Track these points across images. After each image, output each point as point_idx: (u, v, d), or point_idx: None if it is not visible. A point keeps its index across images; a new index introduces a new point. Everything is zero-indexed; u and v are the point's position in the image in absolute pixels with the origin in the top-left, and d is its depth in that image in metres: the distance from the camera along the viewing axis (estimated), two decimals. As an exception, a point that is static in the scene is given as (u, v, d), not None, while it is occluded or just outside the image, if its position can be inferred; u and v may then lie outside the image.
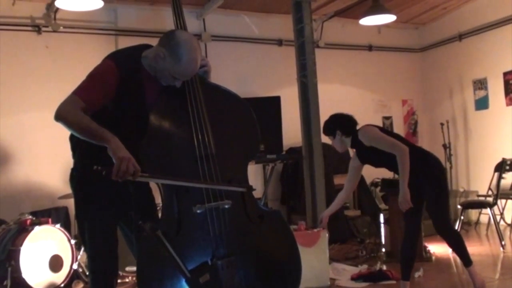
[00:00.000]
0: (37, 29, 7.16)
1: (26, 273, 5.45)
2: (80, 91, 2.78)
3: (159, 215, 3.20)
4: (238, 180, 3.21)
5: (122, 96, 2.84)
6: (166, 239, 2.71)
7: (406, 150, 4.46)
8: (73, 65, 6.89)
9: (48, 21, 7.15)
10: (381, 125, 9.69)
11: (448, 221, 4.89)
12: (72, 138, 3.03)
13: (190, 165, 3.00)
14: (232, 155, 3.20)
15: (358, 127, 4.85)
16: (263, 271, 3.16)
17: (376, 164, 4.94)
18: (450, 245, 4.80)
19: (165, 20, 7.79)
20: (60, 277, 5.72)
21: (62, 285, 5.72)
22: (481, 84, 9.01)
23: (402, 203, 4.44)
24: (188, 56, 2.83)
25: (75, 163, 3.04)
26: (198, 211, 2.97)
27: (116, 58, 2.91)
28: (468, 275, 4.67)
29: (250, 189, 3.17)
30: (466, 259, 4.65)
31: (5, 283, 5.22)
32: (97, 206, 2.95)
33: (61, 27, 7.23)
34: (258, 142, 3.44)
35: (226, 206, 3.03)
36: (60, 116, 2.72)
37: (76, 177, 3.02)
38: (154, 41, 3.05)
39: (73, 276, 5.76)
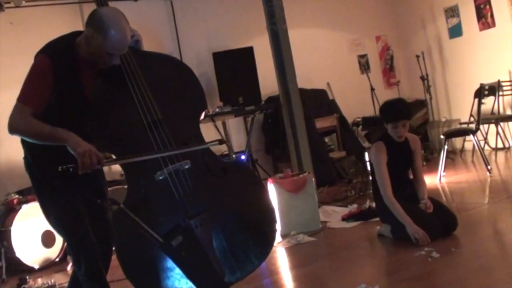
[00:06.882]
0: (-1, 6, 7.00)
1: (20, 252, 5.47)
2: (24, 97, 2.80)
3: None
4: (194, 139, 3.26)
5: (61, 88, 2.83)
6: (133, 211, 2.75)
7: None
8: (40, 39, 6.57)
9: (9, -3, 6.99)
10: (357, 64, 9.65)
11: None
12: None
13: (143, 136, 3.03)
14: (180, 116, 3.24)
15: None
16: (239, 221, 3.23)
17: None
18: None
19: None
20: (54, 252, 5.73)
21: (58, 259, 5.74)
22: (452, 11, 8.95)
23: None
24: (114, 26, 2.79)
25: (25, 153, 3.05)
26: (160, 178, 3.02)
27: (49, 52, 2.87)
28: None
29: (222, 142, 3.29)
30: None
31: (0, 265, 5.22)
32: (58, 182, 2.92)
33: (23, 1, 7.04)
34: (202, 97, 3.47)
35: (187, 166, 3.07)
36: (13, 129, 2.78)
37: (32, 161, 3.03)
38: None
39: (67, 249, 5.75)
